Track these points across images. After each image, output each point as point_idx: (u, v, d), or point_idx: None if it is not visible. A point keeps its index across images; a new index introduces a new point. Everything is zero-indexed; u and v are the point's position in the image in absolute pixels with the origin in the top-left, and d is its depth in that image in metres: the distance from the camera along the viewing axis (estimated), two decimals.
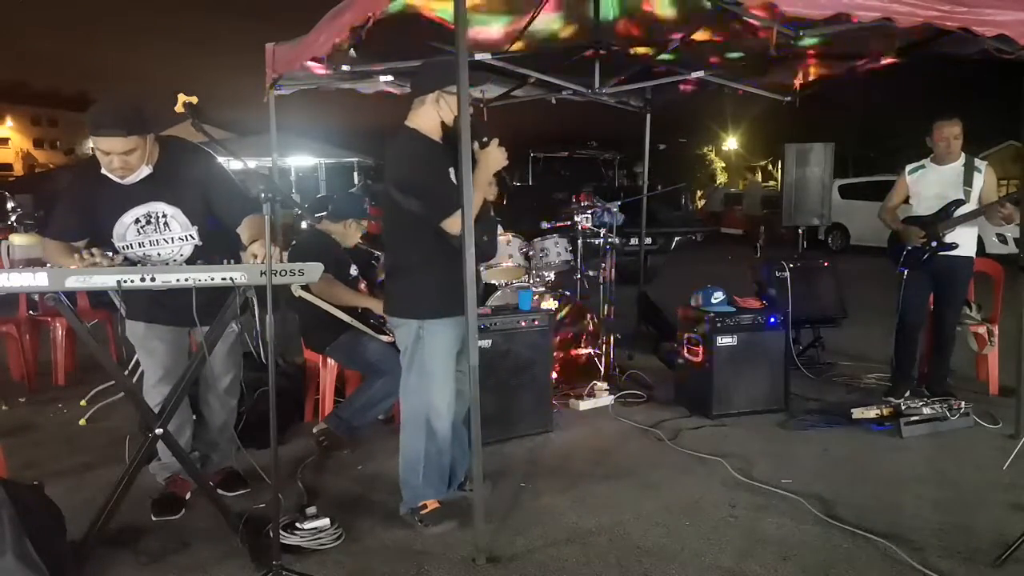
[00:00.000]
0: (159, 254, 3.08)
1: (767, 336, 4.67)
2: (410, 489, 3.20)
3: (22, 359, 5.34)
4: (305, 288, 4.07)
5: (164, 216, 3.05)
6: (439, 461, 3.20)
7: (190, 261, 3.11)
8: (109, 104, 2.86)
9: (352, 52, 4.47)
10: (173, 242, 3.08)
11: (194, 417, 3.44)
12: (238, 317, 2.97)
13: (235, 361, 3.42)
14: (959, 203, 4.61)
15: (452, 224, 2.92)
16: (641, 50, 5.06)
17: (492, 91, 6.09)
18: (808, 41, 4.55)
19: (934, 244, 4.64)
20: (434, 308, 3.07)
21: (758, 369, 4.65)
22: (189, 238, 3.11)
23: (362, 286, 4.42)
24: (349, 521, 3.15)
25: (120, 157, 2.85)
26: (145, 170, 2.95)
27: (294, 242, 4.62)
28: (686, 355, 4.78)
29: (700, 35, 4.65)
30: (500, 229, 4.80)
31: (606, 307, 5.57)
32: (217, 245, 3.10)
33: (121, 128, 2.81)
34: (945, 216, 4.63)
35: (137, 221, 3.03)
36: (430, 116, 3.04)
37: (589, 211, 5.52)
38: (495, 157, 3.00)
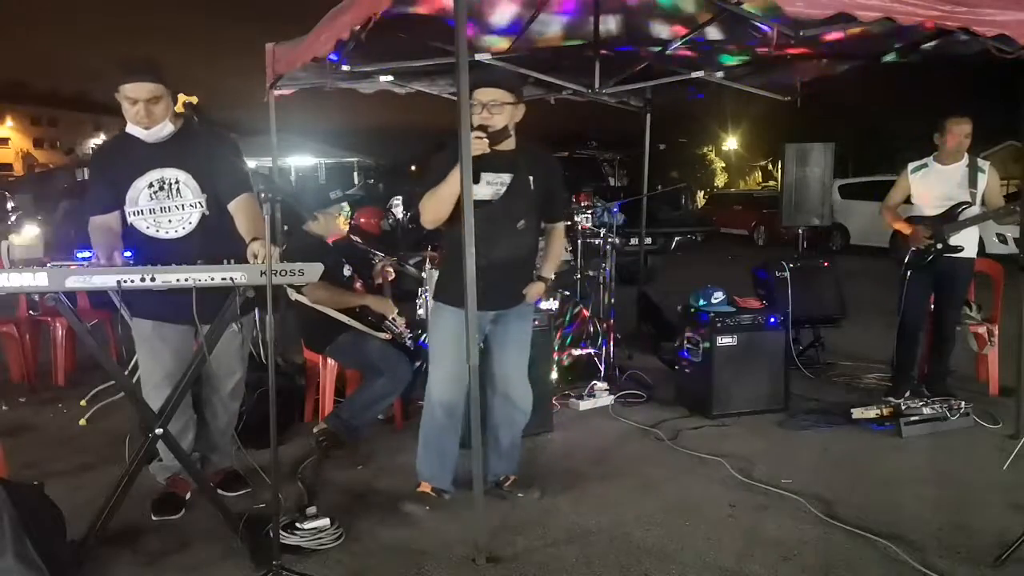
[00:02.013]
0: (170, 220, 3.12)
1: (767, 336, 4.66)
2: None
3: (22, 359, 5.34)
4: (298, 291, 4.08)
5: (177, 182, 3.11)
6: (437, 446, 3.30)
7: (197, 231, 3.14)
8: (136, 54, 3.06)
9: (345, 66, 4.50)
10: (184, 209, 3.13)
11: (195, 416, 3.43)
12: (239, 317, 2.96)
13: (240, 364, 3.42)
14: (965, 205, 4.60)
15: (421, 210, 3.13)
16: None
17: None
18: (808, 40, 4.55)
19: (939, 247, 4.64)
20: (443, 293, 3.27)
21: (758, 369, 4.65)
22: (199, 205, 3.15)
23: (358, 285, 4.41)
24: (349, 521, 3.15)
25: (146, 105, 2.97)
26: (169, 126, 3.06)
27: (284, 247, 4.61)
28: (686, 355, 4.78)
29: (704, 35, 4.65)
30: None
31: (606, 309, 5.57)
32: (221, 220, 3.16)
33: (149, 74, 2.96)
34: (951, 218, 4.63)
35: (151, 186, 3.10)
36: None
37: (589, 211, 5.52)
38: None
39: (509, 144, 3.15)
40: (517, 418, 3.41)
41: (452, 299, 3.21)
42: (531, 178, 3.16)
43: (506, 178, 3.13)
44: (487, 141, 2.98)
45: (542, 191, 3.24)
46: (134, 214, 3.09)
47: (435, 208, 3.12)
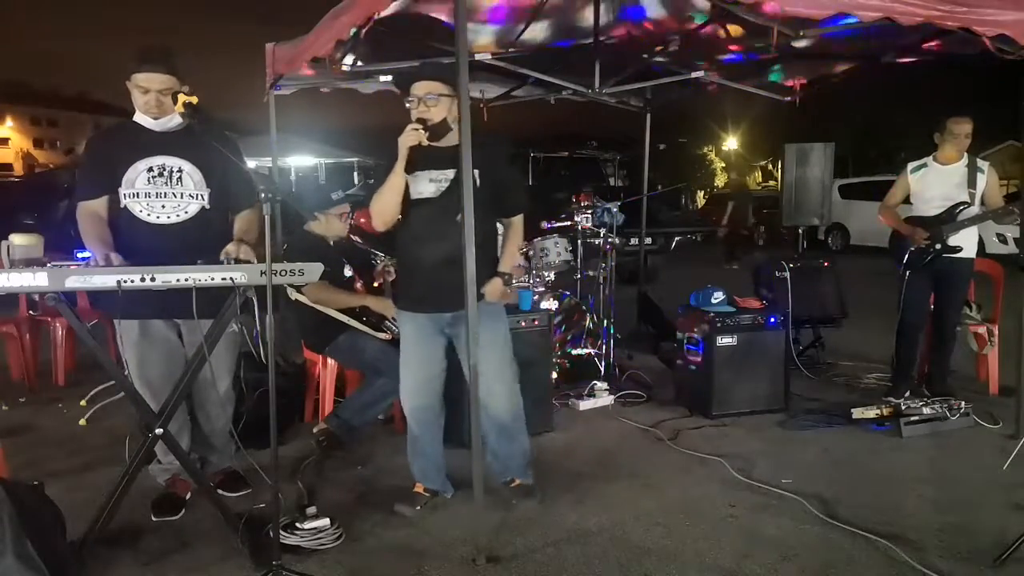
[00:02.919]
0: (163, 206, 3.11)
1: (767, 336, 4.66)
2: None
3: (22, 359, 5.34)
4: (299, 291, 4.07)
5: (180, 171, 3.13)
6: (419, 448, 3.37)
7: (192, 221, 3.14)
8: (154, 45, 3.08)
9: (347, 64, 4.52)
10: (182, 198, 3.13)
11: (188, 420, 3.42)
12: (238, 317, 2.96)
13: (230, 365, 3.40)
14: (964, 205, 4.60)
15: (371, 214, 3.16)
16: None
17: (492, 91, 6.09)
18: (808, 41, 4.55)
19: (938, 247, 4.63)
20: (400, 299, 3.34)
21: (758, 369, 4.65)
22: (199, 197, 3.16)
23: (358, 285, 4.41)
24: (349, 521, 3.15)
25: (156, 95, 3.02)
26: (177, 118, 3.08)
27: (285, 246, 4.60)
28: (686, 355, 4.77)
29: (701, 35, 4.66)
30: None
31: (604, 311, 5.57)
32: (220, 217, 3.20)
33: (164, 65, 3.03)
34: (950, 218, 4.63)
35: (150, 170, 3.10)
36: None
37: (589, 211, 5.52)
38: (402, 138, 3.02)
39: (453, 139, 3.03)
40: (485, 423, 3.27)
41: (407, 303, 3.25)
42: (476, 173, 3.01)
43: (450, 174, 3.06)
44: (423, 133, 2.97)
45: (489, 185, 3.13)
46: (129, 196, 3.08)
47: (380, 209, 3.10)
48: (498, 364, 3.25)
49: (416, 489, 3.39)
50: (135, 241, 3.04)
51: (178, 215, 3.13)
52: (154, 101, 3.03)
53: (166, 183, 3.11)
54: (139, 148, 3.11)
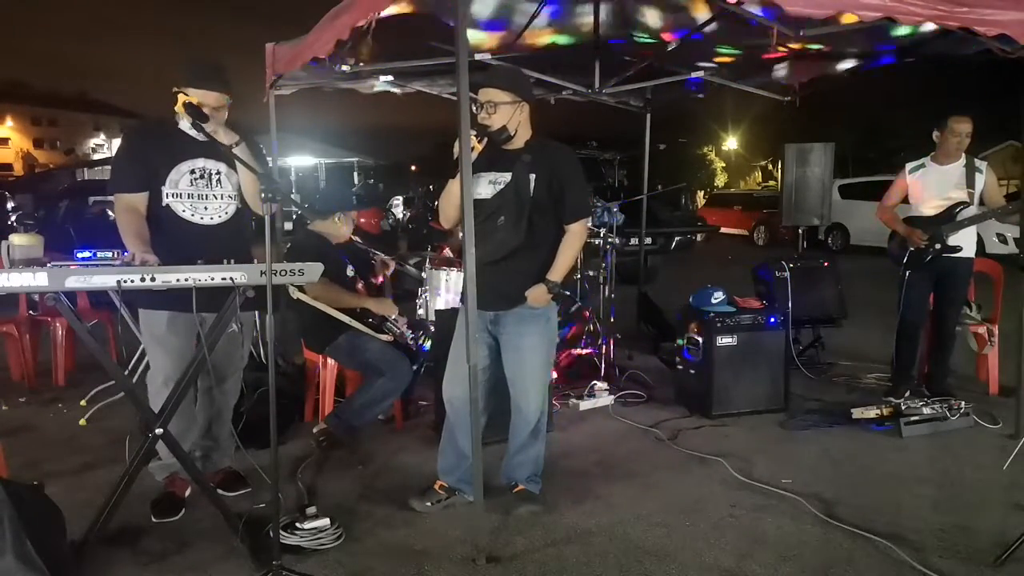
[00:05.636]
0: (206, 208, 3.22)
1: (767, 336, 4.66)
2: None
3: (22, 359, 5.34)
4: (301, 290, 4.08)
5: (218, 174, 3.24)
6: (449, 441, 3.36)
7: (231, 221, 3.27)
8: (209, 61, 3.15)
9: (347, 67, 4.52)
10: (221, 199, 3.25)
11: (196, 417, 3.43)
12: (238, 316, 2.97)
13: (242, 358, 3.47)
14: (963, 205, 4.60)
15: (439, 211, 3.28)
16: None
17: None
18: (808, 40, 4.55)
19: (938, 247, 4.63)
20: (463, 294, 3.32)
21: (758, 369, 4.65)
22: (235, 199, 3.28)
23: (359, 286, 4.41)
24: (349, 521, 3.15)
25: (210, 111, 3.06)
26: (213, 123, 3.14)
27: (288, 245, 4.61)
28: (686, 355, 4.77)
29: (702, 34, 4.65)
30: None
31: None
32: (249, 217, 3.33)
33: (223, 84, 3.11)
34: (949, 218, 4.63)
35: (193, 172, 3.19)
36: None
37: None
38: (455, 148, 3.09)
39: (516, 143, 3.16)
40: (518, 423, 3.36)
41: (463, 297, 3.30)
42: (532, 177, 3.11)
43: (507, 177, 3.13)
44: (475, 141, 2.99)
45: (545, 190, 3.13)
46: (172, 196, 3.15)
47: (444, 208, 3.21)
48: (534, 368, 3.28)
49: (435, 485, 3.39)
50: (178, 240, 3.10)
51: (220, 216, 3.24)
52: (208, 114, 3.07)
53: (207, 185, 3.21)
54: (181, 150, 3.17)
